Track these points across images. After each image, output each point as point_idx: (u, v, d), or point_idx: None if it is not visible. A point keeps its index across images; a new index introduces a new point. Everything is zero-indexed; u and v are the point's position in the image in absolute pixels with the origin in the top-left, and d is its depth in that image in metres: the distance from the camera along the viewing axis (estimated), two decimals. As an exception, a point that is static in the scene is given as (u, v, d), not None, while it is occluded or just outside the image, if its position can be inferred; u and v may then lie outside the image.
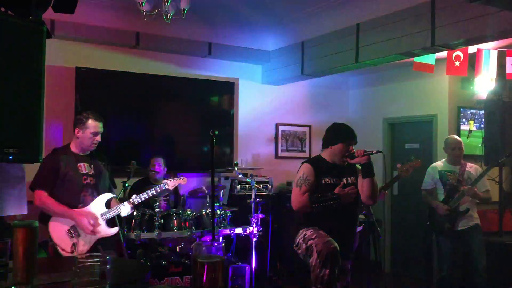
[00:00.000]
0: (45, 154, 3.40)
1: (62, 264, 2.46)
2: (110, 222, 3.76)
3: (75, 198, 3.64)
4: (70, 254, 3.51)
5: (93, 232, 3.61)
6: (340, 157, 3.63)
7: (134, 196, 3.96)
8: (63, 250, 3.55)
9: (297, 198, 3.55)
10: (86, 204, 3.66)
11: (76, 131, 3.70)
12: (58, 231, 3.58)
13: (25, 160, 2.00)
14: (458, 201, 4.85)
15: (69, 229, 3.60)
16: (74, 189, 3.64)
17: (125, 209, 3.84)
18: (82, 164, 3.71)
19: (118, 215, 3.88)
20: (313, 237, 3.39)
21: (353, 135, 3.69)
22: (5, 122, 1.86)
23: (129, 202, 3.88)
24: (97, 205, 3.69)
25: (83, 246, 3.61)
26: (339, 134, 3.69)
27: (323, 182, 3.58)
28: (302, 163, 3.74)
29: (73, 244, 3.56)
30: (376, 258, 4.05)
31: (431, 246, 5.96)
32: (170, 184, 4.24)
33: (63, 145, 3.91)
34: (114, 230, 3.74)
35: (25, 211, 2.37)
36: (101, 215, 3.69)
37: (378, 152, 3.57)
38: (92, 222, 3.59)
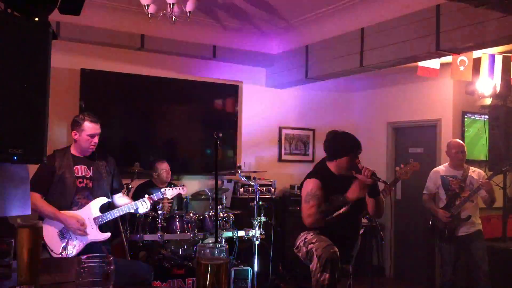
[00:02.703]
0: (47, 156, 3.40)
1: (66, 264, 2.46)
2: (104, 227, 3.73)
3: (69, 201, 3.61)
4: (58, 256, 3.49)
5: (84, 233, 3.59)
6: (346, 170, 3.51)
7: (147, 196, 3.96)
8: (52, 251, 3.52)
9: (307, 212, 3.44)
10: (80, 207, 3.64)
11: (73, 133, 3.66)
12: (50, 232, 3.56)
13: (30, 160, 2.01)
14: (460, 208, 4.83)
15: (60, 231, 3.59)
16: (68, 192, 3.61)
17: (145, 204, 3.81)
18: (79, 166, 3.67)
19: (123, 217, 3.86)
20: (313, 241, 3.37)
21: (358, 145, 3.55)
22: (10, 122, 1.86)
23: (149, 198, 3.86)
24: (91, 209, 3.67)
25: (73, 248, 3.59)
26: (345, 147, 3.54)
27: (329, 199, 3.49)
28: (310, 177, 3.57)
29: (63, 246, 3.55)
30: (378, 262, 4.04)
31: (434, 251, 5.94)
32: (169, 193, 4.22)
33: (64, 147, 3.90)
34: (106, 235, 3.70)
35: (28, 212, 2.37)
36: (94, 219, 3.66)
37: (384, 182, 3.47)
38: (80, 223, 3.57)
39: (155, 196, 3.94)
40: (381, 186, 3.64)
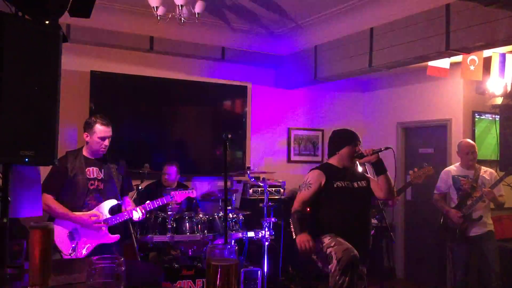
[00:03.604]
0: (58, 157, 3.42)
1: (77, 265, 2.47)
2: (114, 228, 3.75)
3: (80, 202, 3.64)
4: (68, 257, 3.51)
5: (99, 226, 3.61)
6: (349, 160, 3.71)
7: (148, 202, 3.98)
8: (62, 252, 3.55)
9: (295, 202, 3.66)
10: (90, 209, 3.67)
11: (85, 135, 3.70)
12: (60, 233, 3.59)
13: (41, 162, 2.03)
14: (472, 208, 4.79)
15: (70, 232, 3.62)
16: (80, 193, 3.64)
17: (136, 214, 3.85)
18: (91, 168, 3.70)
19: (131, 219, 3.88)
20: (332, 244, 3.37)
21: (356, 135, 3.77)
22: (22, 125, 1.88)
23: (142, 208, 3.89)
24: (101, 211, 3.70)
25: (82, 249, 3.62)
26: (343, 138, 3.77)
27: (335, 185, 3.62)
28: (313, 169, 3.80)
29: (73, 247, 3.57)
30: (389, 263, 4.03)
31: (445, 252, 5.90)
32: (178, 197, 4.24)
33: (76, 148, 3.93)
34: (115, 237, 3.73)
35: (40, 213, 2.39)
36: (104, 221, 3.69)
37: (386, 148, 3.60)
38: (94, 216, 3.60)
39: (147, 206, 3.96)
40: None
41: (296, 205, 3.64)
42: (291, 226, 3.62)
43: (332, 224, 3.52)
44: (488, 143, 6.15)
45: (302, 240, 3.44)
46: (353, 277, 3.23)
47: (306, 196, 3.62)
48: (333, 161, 3.77)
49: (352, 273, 3.23)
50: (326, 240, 3.44)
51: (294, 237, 3.56)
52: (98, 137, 3.66)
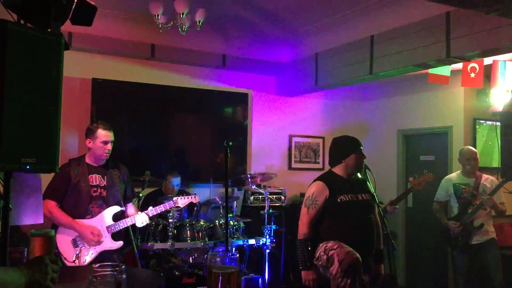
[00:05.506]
0: (61, 164, 3.44)
1: (79, 273, 2.47)
2: (117, 235, 3.77)
3: (83, 209, 3.66)
4: (72, 264, 3.52)
5: (98, 243, 3.63)
6: (355, 167, 3.63)
7: (150, 208, 3.98)
8: (65, 259, 3.56)
9: (301, 218, 3.59)
10: (94, 215, 3.69)
11: (87, 142, 3.74)
12: (63, 241, 3.61)
13: (42, 170, 2.02)
14: (472, 216, 4.77)
15: (73, 239, 3.63)
16: (83, 200, 3.66)
17: (140, 219, 3.85)
18: (94, 175, 3.73)
19: (133, 226, 3.88)
20: (335, 247, 3.33)
21: (359, 142, 3.70)
22: (23, 132, 1.88)
23: (144, 214, 3.90)
24: (104, 218, 3.71)
25: (86, 256, 3.63)
26: (349, 145, 3.68)
27: (339, 200, 3.53)
28: (315, 180, 3.70)
29: (76, 254, 3.58)
30: (390, 271, 4.00)
31: (446, 259, 5.88)
32: (181, 202, 4.25)
33: (78, 156, 3.96)
34: (118, 243, 3.74)
35: (41, 221, 2.39)
36: (107, 227, 3.70)
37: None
38: (96, 233, 3.62)
39: (150, 212, 3.96)
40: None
41: (304, 229, 3.53)
42: (298, 252, 3.55)
43: (334, 236, 3.48)
44: (489, 150, 6.15)
45: (308, 278, 3.46)
46: (355, 280, 3.18)
47: (314, 215, 3.53)
48: (338, 170, 3.67)
49: (354, 276, 3.18)
50: (329, 244, 3.40)
51: (300, 266, 3.52)
52: (101, 142, 3.70)
